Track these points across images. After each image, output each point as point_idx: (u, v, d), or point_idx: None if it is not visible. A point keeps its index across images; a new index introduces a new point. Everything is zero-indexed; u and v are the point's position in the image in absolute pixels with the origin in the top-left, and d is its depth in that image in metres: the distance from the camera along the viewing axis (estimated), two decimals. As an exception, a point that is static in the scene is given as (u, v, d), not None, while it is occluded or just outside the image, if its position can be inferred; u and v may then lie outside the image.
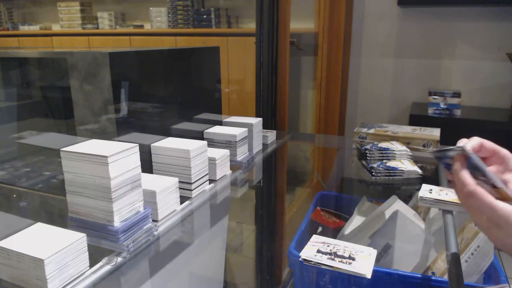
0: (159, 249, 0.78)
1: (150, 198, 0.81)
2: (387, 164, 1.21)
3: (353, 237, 0.97)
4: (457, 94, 2.21)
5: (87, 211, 0.72)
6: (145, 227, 0.76)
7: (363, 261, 0.65)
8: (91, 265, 0.65)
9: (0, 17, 4.24)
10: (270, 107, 1.70)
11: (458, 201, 0.79)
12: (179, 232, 0.84)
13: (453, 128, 2.12)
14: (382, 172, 1.19)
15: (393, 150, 1.27)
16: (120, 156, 0.69)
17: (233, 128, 1.21)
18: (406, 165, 1.20)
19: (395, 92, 2.62)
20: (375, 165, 1.21)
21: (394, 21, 2.52)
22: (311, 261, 0.65)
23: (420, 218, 0.96)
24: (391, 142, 1.34)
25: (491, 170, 0.54)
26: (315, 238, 0.72)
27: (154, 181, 0.85)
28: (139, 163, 0.74)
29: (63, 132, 1.08)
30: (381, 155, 1.26)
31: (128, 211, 0.73)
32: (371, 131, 1.43)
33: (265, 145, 1.43)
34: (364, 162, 1.27)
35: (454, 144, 0.55)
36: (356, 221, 1.07)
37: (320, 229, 1.10)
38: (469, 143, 0.56)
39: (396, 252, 0.89)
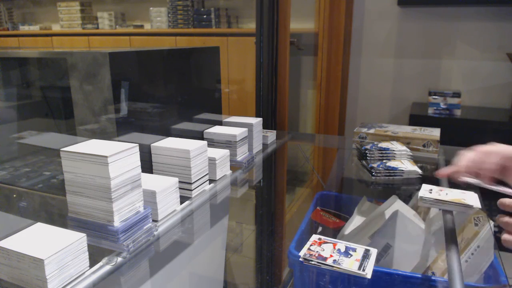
0: (159, 249, 0.78)
1: (150, 198, 0.81)
2: (387, 164, 1.21)
3: (353, 237, 0.97)
4: (457, 94, 2.21)
5: (87, 211, 0.72)
6: (145, 227, 0.76)
7: (363, 261, 0.65)
8: (91, 265, 0.65)
9: (0, 17, 4.24)
10: (270, 107, 1.70)
11: (458, 201, 0.79)
12: (179, 232, 0.84)
13: (453, 128, 2.12)
14: (382, 172, 1.19)
15: (393, 150, 1.27)
16: (120, 156, 0.69)
17: (233, 128, 1.21)
18: (406, 165, 1.20)
19: (395, 92, 2.62)
20: (375, 165, 1.21)
21: (394, 21, 2.52)
22: (311, 261, 0.65)
23: (420, 218, 0.96)
24: (391, 142, 1.34)
25: None
26: (315, 238, 0.72)
27: (154, 181, 0.85)
28: (139, 163, 0.74)
29: (63, 132, 1.08)
30: (381, 155, 1.26)
31: (128, 211, 0.73)
32: (371, 131, 1.43)
33: (265, 145, 1.43)
34: (364, 162, 1.27)
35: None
36: (356, 221, 1.07)
37: (320, 229, 1.10)
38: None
39: (396, 252, 0.89)
